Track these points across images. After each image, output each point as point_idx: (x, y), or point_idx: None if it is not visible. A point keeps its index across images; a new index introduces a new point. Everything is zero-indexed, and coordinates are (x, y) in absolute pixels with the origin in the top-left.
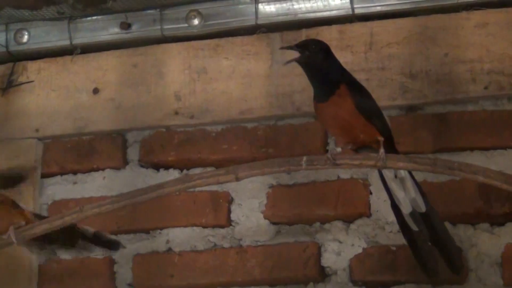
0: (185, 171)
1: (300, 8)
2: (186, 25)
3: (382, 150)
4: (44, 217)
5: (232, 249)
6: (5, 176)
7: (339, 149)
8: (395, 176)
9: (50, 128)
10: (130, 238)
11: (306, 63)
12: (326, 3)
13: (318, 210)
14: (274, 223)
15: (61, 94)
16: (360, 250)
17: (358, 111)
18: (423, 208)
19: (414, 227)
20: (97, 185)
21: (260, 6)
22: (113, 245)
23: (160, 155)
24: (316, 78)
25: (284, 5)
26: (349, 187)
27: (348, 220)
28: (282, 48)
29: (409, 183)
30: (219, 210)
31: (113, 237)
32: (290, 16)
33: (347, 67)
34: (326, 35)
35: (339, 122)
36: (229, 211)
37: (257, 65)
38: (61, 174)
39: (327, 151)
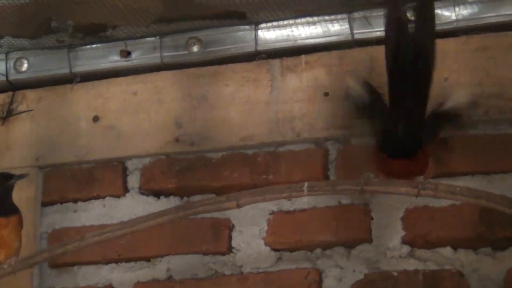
0: (185, 199)
1: (299, 34)
2: (185, 52)
3: (422, 177)
4: None
5: (233, 276)
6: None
7: (371, 175)
8: None
9: (50, 157)
10: (131, 266)
11: None
12: (325, 29)
13: (319, 236)
14: (275, 250)
15: (61, 122)
16: (361, 276)
17: None
18: None
19: None
20: (98, 213)
21: (260, 32)
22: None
23: (161, 182)
24: None
25: (284, 31)
26: (350, 213)
27: (349, 246)
28: None
29: None
30: (220, 237)
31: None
32: (289, 42)
33: None
34: (326, 60)
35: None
36: (230, 238)
37: (257, 91)
38: (61, 202)
39: (327, 177)
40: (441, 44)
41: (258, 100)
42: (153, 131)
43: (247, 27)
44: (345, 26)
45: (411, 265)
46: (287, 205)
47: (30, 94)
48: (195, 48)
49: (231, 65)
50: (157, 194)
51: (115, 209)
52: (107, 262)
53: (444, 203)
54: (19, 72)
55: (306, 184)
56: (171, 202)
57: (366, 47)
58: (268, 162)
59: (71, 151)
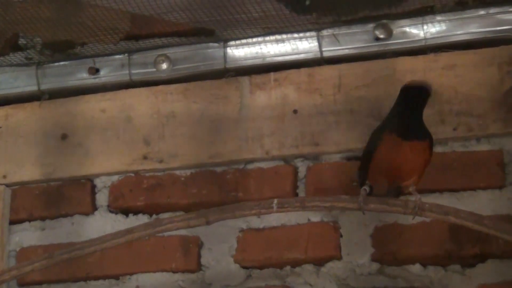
0: (154, 216)
1: (268, 52)
2: (154, 69)
3: (419, 196)
4: None
5: None
6: None
7: (366, 188)
8: None
9: (18, 175)
10: (99, 284)
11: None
12: (294, 46)
13: (289, 253)
14: (244, 267)
15: (29, 140)
16: None
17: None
18: None
19: None
20: (66, 231)
21: (229, 50)
22: None
23: (129, 200)
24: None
25: (253, 49)
26: (320, 230)
27: (319, 263)
28: None
29: None
30: (189, 255)
31: None
32: (258, 60)
33: (316, 109)
34: (295, 78)
35: (416, 164)
36: (199, 256)
37: (226, 108)
38: (29, 220)
39: (297, 194)
40: (409, 62)
41: (227, 117)
42: (121, 149)
43: (216, 44)
44: (314, 43)
45: (381, 282)
46: (256, 222)
47: None
48: (164, 66)
49: (200, 83)
50: (125, 212)
51: (83, 227)
52: (76, 280)
53: (414, 220)
54: None
55: (275, 201)
56: (140, 219)
57: (335, 65)
58: (237, 180)
59: (39, 168)
